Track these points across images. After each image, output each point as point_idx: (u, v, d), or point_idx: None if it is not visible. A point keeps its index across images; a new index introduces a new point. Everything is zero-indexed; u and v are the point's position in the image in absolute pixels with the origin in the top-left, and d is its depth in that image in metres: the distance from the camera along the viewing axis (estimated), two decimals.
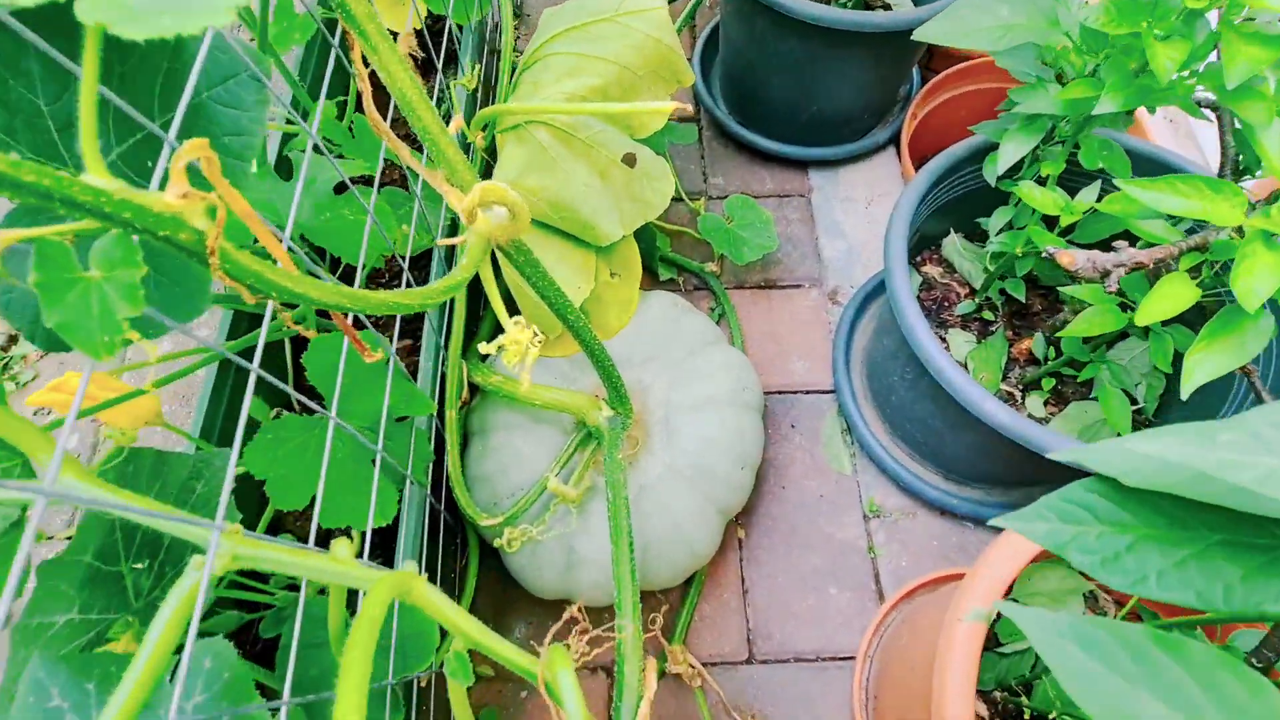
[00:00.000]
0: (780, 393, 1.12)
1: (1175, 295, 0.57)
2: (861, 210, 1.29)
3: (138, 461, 0.53)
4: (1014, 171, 0.80)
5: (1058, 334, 0.84)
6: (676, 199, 1.29)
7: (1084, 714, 0.65)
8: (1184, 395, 0.56)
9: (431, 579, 0.80)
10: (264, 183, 0.69)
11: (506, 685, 0.92)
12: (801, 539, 1.02)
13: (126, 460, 0.53)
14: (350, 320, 0.54)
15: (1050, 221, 0.74)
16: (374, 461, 0.61)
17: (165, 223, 0.26)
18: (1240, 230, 0.54)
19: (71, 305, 0.25)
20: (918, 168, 0.87)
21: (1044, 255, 0.60)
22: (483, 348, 0.55)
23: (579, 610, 0.60)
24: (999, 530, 1.05)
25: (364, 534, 0.85)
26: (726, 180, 1.33)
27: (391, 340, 0.72)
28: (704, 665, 0.93)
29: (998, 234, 0.80)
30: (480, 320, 0.98)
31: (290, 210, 0.67)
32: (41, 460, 0.33)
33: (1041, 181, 0.72)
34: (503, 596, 0.98)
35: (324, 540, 0.45)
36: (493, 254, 1.11)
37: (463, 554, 0.96)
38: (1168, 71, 0.53)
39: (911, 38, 0.75)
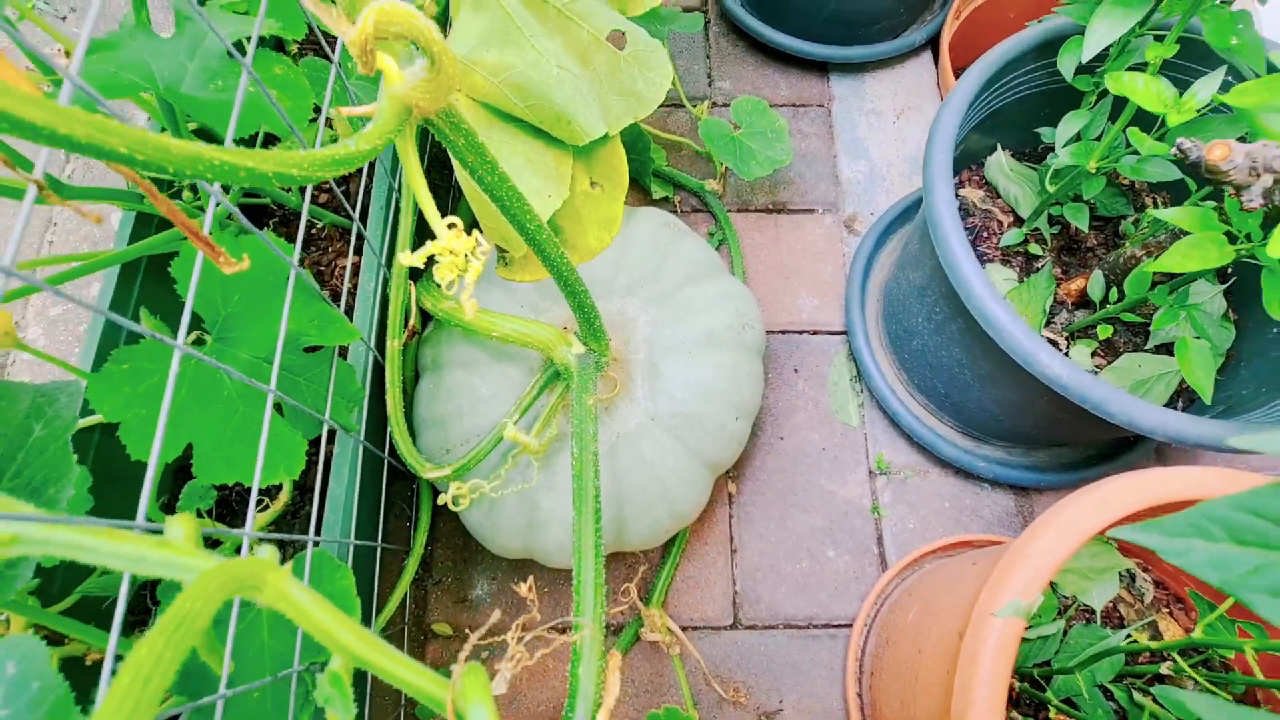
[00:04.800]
0: (784, 332, 1.00)
1: None
2: (889, 125, 1.12)
3: None
4: (1091, 69, 0.64)
5: (1122, 272, 0.71)
6: (676, 104, 1.11)
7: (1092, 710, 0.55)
8: None
9: (372, 535, 0.70)
10: (135, 39, 0.53)
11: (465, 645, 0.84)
12: (799, 496, 0.91)
13: None
14: (211, 220, 0.40)
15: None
16: (278, 402, 0.48)
17: None
18: None
19: None
20: (960, 77, 0.71)
21: (1176, 151, 0.45)
22: (404, 257, 0.42)
23: (530, 589, 0.49)
24: (1018, 492, 0.94)
25: (260, 492, 0.73)
26: (734, 85, 1.15)
27: (344, 255, 0.58)
28: (684, 630, 0.85)
29: (1065, 145, 0.65)
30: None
31: (165, 72, 0.52)
32: None
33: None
34: (464, 549, 0.88)
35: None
36: (440, 145, 0.94)
37: (417, 502, 0.86)
38: None
39: None
